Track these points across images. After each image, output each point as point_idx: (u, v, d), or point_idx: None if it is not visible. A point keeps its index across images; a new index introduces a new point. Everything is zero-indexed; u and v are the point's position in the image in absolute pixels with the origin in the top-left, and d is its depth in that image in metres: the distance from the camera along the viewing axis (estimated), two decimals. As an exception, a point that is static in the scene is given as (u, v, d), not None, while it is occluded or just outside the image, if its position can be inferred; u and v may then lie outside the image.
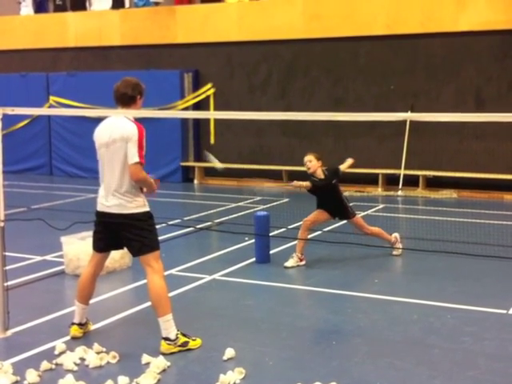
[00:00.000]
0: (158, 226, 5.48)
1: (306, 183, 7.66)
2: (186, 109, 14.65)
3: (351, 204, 8.04)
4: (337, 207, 7.88)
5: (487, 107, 12.31)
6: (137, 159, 5.14)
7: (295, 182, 7.73)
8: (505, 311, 6.07)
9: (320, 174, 7.74)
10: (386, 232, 8.18)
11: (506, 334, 5.55)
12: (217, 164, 7.42)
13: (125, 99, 5.32)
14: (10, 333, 5.59)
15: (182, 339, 5.21)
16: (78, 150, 15.41)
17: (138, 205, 5.24)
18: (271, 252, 7.99)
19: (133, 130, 5.17)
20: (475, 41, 12.66)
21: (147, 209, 5.32)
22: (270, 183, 7.83)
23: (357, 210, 8.23)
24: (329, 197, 7.78)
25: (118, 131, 5.20)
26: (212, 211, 11.20)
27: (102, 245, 5.46)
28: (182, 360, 5.05)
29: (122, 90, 5.31)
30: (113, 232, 5.32)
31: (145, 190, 5.36)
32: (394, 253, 8.15)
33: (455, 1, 12.63)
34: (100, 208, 5.34)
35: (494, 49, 12.58)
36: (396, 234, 8.25)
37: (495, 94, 12.59)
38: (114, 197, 5.22)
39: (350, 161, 8.08)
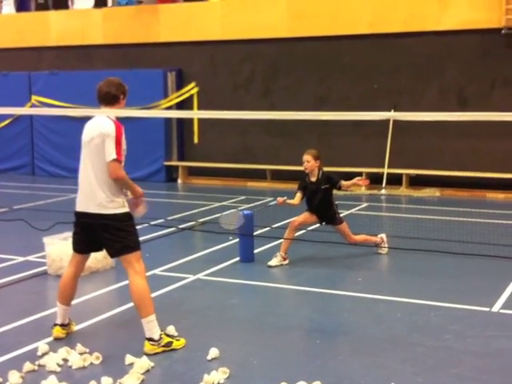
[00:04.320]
0: (140, 226, 5.47)
1: (292, 201, 7.62)
2: (169, 108, 14.61)
3: (335, 203, 8.01)
4: (324, 212, 7.87)
5: (470, 106, 12.39)
6: (114, 156, 5.10)
7: (279, 199, 7.66)
8: (488, 309, 6.11)
9: (314, 176, 7.73)
10: (370, 235, 8.20)
11: (489, 331, 5.58)
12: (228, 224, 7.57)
13: (108, 98, 5.29)
14: (-9, 334, 5.55)
15: (166, 339, 5.19)
16: (61, 149, 15.32)
17: (117, 205, 5.20)
18: (255, 251, 7.99)
19: (110, 128, 5.14)
20: (457, 40, 12.74)
21: (127, 209, 5.28)
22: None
23: (340, 209, 8.23)
24: (317, 201, 7.77)
25: (96, 129, 5.19)
26: (196, 211, 11.18)
27: (82, 246, 5.42)
28: (166, 360, 5.03)
29: (106, 89, 5.29)
30: (92, 233, 5.27)
31: (129, 194, 5.32)
32: (380, 251, 8.17)
33: (438, 0, 12.70)
34: (79, 208, 5.30)
35: (475, 48, 12.66)
36: (382, 235, 8.26)
37: (478, 93, 12.67)
38: (93, 196, 5.19)
39: (356, 181, 7.92)
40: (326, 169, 7.95)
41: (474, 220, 10.03)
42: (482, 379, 4.69)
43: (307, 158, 7.71)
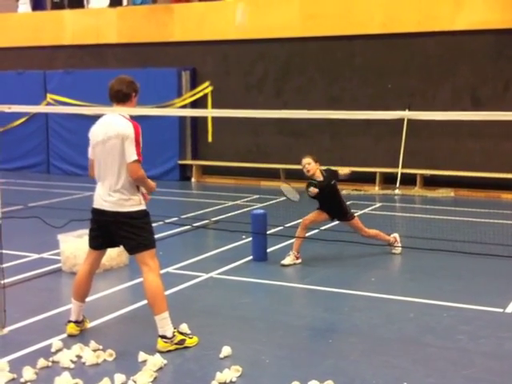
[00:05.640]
0: (155, 224, 5.48)
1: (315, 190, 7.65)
2: (183, 107, 14.65)
3: (349, 203, 8.03)
4: (335, 208, 7.89)
5: (483, 107, 12.32)
6: (135, 157, 5.14)
7: (312, 189, 7.65)
8: (501, 310, 6.09)
9: (319, 176, 7.75)
10: (384, 232, 8.20)
11: (501, 332, 5.56)
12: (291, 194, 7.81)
13: (120, 96, 5.32)
14: (6, 330, 5.59)
15: (179, 337, 5.22)
16: (76, 147, 15.37)
17: (134, 203, 5.24)
18: (268, 250, 8.00)
19: (129, 128, 5.17)
20: (471, 40, 12.68)
21: (143, 207, 5.32)
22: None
23: (354, 209, 8.24)
24: (328, 198, 7.78)
25: (113, 128, 5.20)
26: (209, 209, 11.21)
27: (98, 242, 5.46)
28: (179, 358, 5.06)
29: (117, 87, 5.32)
30: (108, 230, 5.32)
31: (143, 190, 5.36)
32: (394, 251, 8.16)
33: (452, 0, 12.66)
34: (96, 205, 5.34)
35: (490, 48, 12.59)
36: (395, 235, 8.26)
37: (491, 94, 12.60)
38: (110, 195, 5.22)
39: (347, 170, 8.07)
40: (339, 168, 7.98)
41: (488, 221, 9.98)
42: (494, 381, 4.67)
43: (308, 160, 7.72)
